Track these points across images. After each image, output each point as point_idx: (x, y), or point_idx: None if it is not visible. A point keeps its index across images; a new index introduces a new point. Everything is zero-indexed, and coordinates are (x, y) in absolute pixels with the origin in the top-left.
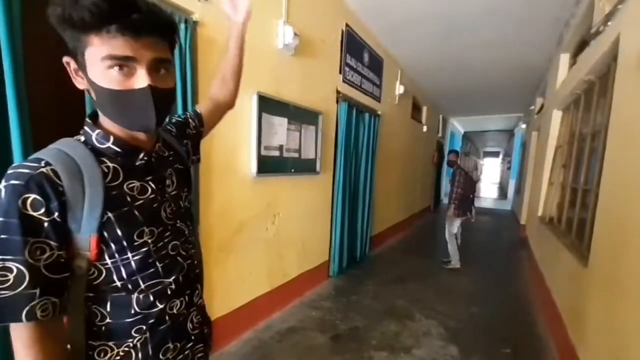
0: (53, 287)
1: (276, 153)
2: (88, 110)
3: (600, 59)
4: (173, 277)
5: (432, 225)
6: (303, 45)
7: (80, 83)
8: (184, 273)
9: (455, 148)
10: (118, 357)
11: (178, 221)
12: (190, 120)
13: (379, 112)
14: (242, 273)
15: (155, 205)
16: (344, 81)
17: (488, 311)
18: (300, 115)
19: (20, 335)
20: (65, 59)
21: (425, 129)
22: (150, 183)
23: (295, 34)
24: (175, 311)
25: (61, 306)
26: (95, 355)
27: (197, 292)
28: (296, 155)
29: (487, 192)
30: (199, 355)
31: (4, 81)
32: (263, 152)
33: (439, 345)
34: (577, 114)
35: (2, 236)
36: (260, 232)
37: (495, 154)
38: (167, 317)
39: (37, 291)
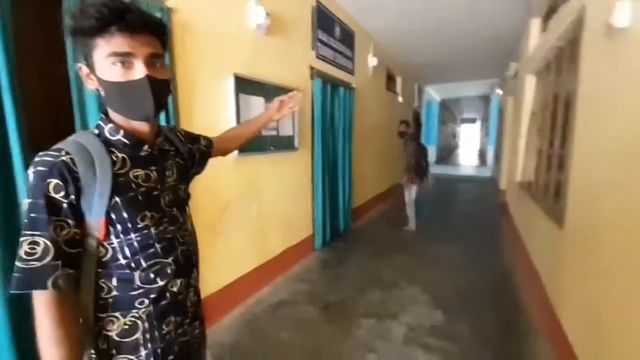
0: (71, 261)
1: None
2: (89, 108)
3: (569, 26)
4: (171, 259)
5: None
6: (275, 25)
7: (91, 84)
8: (183, 256)
9: (407, 119)
10: (126, 327)
11: (175, 209)
12: (202, 138)
13: (354, 86)
14: (230, 251)
15: (155, 193)
16: (317, 57)
17: (471, 278)
18: (276, 94)
19: (43, 301)
20: (78, 65)
21: (400, 99)
22: (153, 172)
23: (267, 14)
24: (175, 289)
25: (76, 278)
26: (104, 325)
27: (193, 274)
28: (274, 133)
29: (467, 159)
30: (196, 331)
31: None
32: None
33: (424, 311)
34: (550, 78)
35: (32, 215)
36: (245, 211)
37: (472, 120)
38: (167, 294)
39: (59, 263)
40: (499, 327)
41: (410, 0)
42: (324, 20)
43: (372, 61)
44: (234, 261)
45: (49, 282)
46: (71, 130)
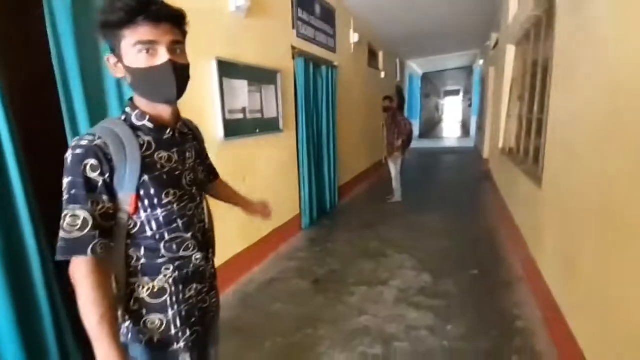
0: (106, 232)
1: (240, 116)
2: (114, 97)
3: None
4: (190, 234)
5: None
6: (255, 6)
7: (119, 73)
8: (201, 232)
9: (391, 94)
10: (155, 290)
11: (194, 188)
12: (211, 164)
13: (336, 64)
14: (220, 232)
15: (177, 173)
16: (298, 36)
17: (456, 242)
18: (259, 76)
19: (82, 267)
20: (107, 57)
21: (383, 75)
22: (175, 154)
23: None
24: (197, 262)
25: (110, 247)
26: (137, 288)
27: (211, 250)
28: (259, 115)
29: (450, 131)
30: (213, 300)
31: None
32: (228, 116)
33: (413, 275)
34: (529, 47)
35: (72, 191)
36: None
37: (456, 92)
38: (190, 264)
39: (97, 233)
40: (484, 282)
41: None
42: None
43: (354, 37)
44: (225, 243)
45: (89, 250)
46: (59, 123)
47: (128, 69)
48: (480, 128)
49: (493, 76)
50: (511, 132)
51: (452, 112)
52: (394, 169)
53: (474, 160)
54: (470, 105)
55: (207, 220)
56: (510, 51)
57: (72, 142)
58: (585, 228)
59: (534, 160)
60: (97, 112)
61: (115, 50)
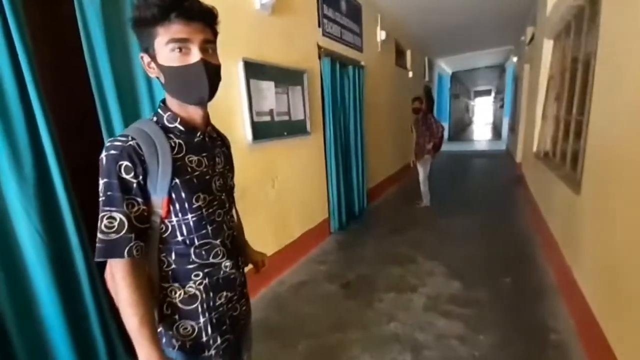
0: (141, 234)
1: (267, 118)
2: (146, 97)
3: None
4: (219, 240)
5: None
6: (279, 3)
7: (152, 72)
8: (230, 240)
9: (419, 95)
10: (186, 296)
11: (223, 194)
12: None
13: (363, 64)
14: (251, 236)
15: (207, 177)
16: (323, 35)
17: (487, 248)
18: (285, 77)
19: (121, 269)
20: (141, 55)
21: (410, 74)
22: (205, 158)
23: None
24: (226, 269)
25: (145, 249)
26: (170, 293)
27: (240, 257)
28: (286, 117)
29: (481, 133)
30: (244, 308)
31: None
32: (255, 119)
33: (442, 282)
34: (569, 41)
35: (108, 193)
36: (262, 197)
37: (486, 93)
38: (220, 271)
39: (133, 235)
40: (517, 291)
41: None
42: None
43: (381, 35)
44: (256, 246)
45: (125, 252)
46: (94, 122)
47: (161, 68)
48: (513, 130)
49: (527, 74)
50: (547, 135)
51: (482, 113)
52: (422, 172)
53: (506, 163)
54: (502, 106)
55: (236, 226)
56: (548, 46)
57: (106, 143)
58: (630, 238)
59: (571, 165)
60: (129, 112)
61: (148, 49)
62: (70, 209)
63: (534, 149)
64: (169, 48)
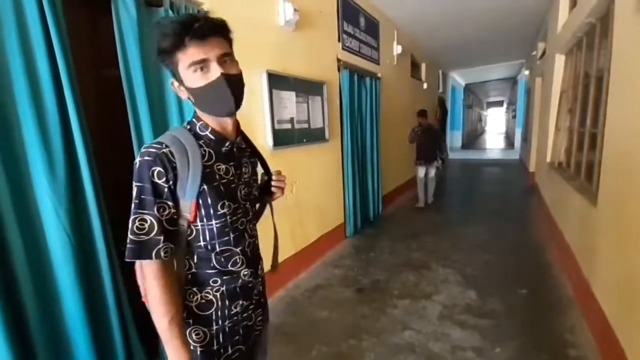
0: (170, 236)
1: (288, 126)
2: (174, 109)
3: (599, 1)
4: (240, 248)
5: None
6: (302, 20)
7: (183, 94)
8: (250, 248)
9: (424, 108)
10: (203, 301)
11: (248, 203)
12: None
13: (379, 75)
14: (270, 239)
15: (233, 186)
16: (343, 49)
17: (503, 257)
18: (306, 87)
19: (151, 269)
20: (171, 81)
21: (425, 86)
22: (232, 167)
23: (295, 10)
24: (245, 277)
25: (173, 252)
26: (187, 296)
27: (260, 266)
28: (306, 126)
29: (494, 143)
30: (259, 318)
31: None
32: (277, 126)
33: (458, 291)
34: (581, 56)
35: (141, 196)
36: (282, 201)
37: (499, 104)
38: (239, 280)
39: (162, 238)
40: (533, 303)
41: None
42: (348, 11)
43: (397, 49)
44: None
45: (154, 253)
46: (125, 130)
47: (189, 90)
48: (526, 140)
49: (539, 87)
50: (560, 146)
51: (495, 123)
52: (420, 174)
53: (519, 173)
54: (514, 117)
55: (257, 235)
56: (559, 61)
57: (141, 149)
58: None
59: (586, 177)
60: (159, 123)
61: (176, 75)
62: (98, 211)
63: (548, 159)
64: (191, 70)
